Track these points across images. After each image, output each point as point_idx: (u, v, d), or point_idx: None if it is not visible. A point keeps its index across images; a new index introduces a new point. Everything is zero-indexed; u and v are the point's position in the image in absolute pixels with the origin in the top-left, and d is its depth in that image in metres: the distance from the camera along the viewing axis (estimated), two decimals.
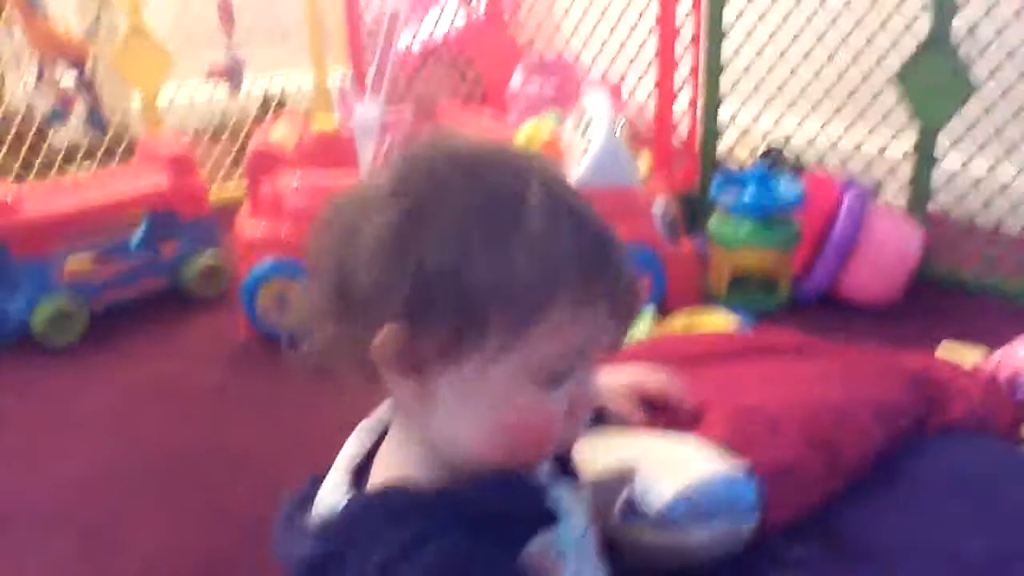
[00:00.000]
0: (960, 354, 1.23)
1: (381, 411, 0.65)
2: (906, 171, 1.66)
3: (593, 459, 0.75)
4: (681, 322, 1.40)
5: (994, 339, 1.22)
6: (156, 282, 1.67)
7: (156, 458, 1.23)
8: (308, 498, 0.63)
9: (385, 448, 0.62)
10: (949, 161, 1.63)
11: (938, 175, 1.64)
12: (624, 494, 0.76)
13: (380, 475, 0.60)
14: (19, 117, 2.03)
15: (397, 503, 0.57)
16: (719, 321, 1.40)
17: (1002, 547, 0.81)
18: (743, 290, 1.58)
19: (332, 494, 0.60)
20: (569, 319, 0.55)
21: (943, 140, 1.61)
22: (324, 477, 0.65)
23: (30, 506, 1.14)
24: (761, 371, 1.00)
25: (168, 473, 1.20)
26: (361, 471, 0.62)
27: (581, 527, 0.63)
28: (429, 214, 0.55)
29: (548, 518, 0.60)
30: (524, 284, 0.54)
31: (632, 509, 0.76)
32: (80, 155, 2.09)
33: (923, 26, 1.57)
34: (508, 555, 0.57)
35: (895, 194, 1.73)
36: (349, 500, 0.58)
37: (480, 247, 0.54)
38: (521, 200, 0.55)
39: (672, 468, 0.78)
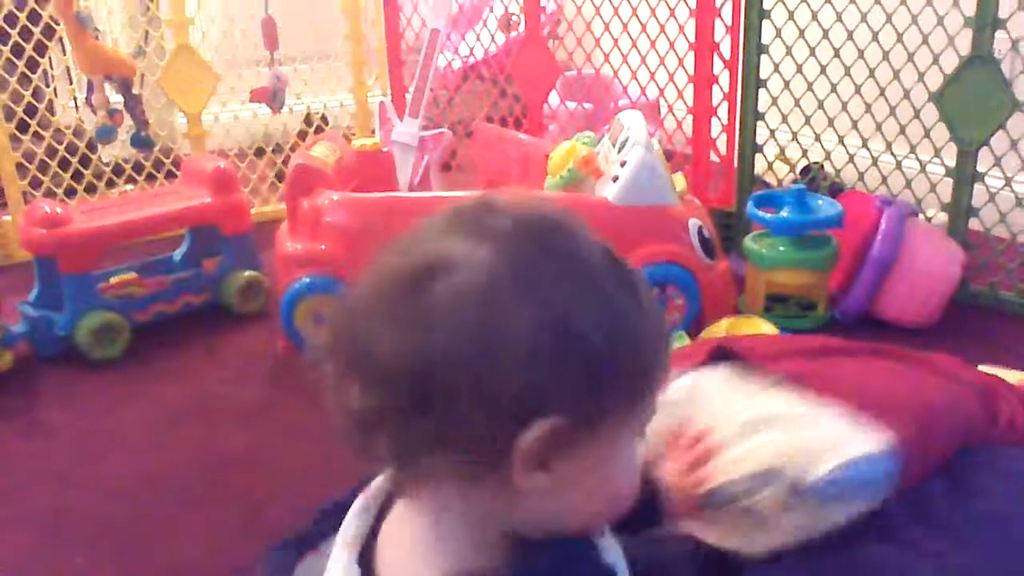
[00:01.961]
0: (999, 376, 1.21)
1: (371, 491, 0.61)
2: (947, 189, 1.64)
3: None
4: (723, 329, 1.40)
5: None
6: (198, 298, 1.70)
7: (195, 471, 1.25)
8: (287, 567, 0.62)
9: (424, 539, 0.56)
10: (991, 179, 1.61)
11: (979, 193, 1.62)
12: (784, 483, 0.79)
13: (427, 569, 0.55)
14: (69, 134, 2.08)
15: None
16: (761, 328, 1.41)
17: None
18: (779, 310, 1.57)
19: None
20: (662, 381, 0.57)
21: (985, 157, 1.59)
22: (301, 538, 0.64)
23: (71, 515, 1.17)
24: (849, 367, 1.04)
25: (206, 486, 1.22)
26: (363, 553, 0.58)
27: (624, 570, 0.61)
28: (573, 297, 0.51)
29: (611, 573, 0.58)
30: (656, 353, 0.55)
31: (787, 492, 0.79)
32: (126, 173, 2.14)
33: (965, 42, 1.55)
34: None
35: (936, 213, 1.71)
36: None
37: (626, 321, 0.53)
38: (622, 268, 0.55)
39: (819, 456, 0.81)
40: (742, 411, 0.89)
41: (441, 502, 0.54)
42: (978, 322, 1.58)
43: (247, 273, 1.71)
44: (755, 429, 0.86)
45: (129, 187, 2.16)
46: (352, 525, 0.60)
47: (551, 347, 0.50)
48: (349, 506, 0.63)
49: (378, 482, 0.60)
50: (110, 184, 2.15)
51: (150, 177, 2.19)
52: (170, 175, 2.16)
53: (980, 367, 1.18)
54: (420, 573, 0.54)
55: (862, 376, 1.02)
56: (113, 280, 1.61)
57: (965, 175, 1.60)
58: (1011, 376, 1.20)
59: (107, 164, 2.18)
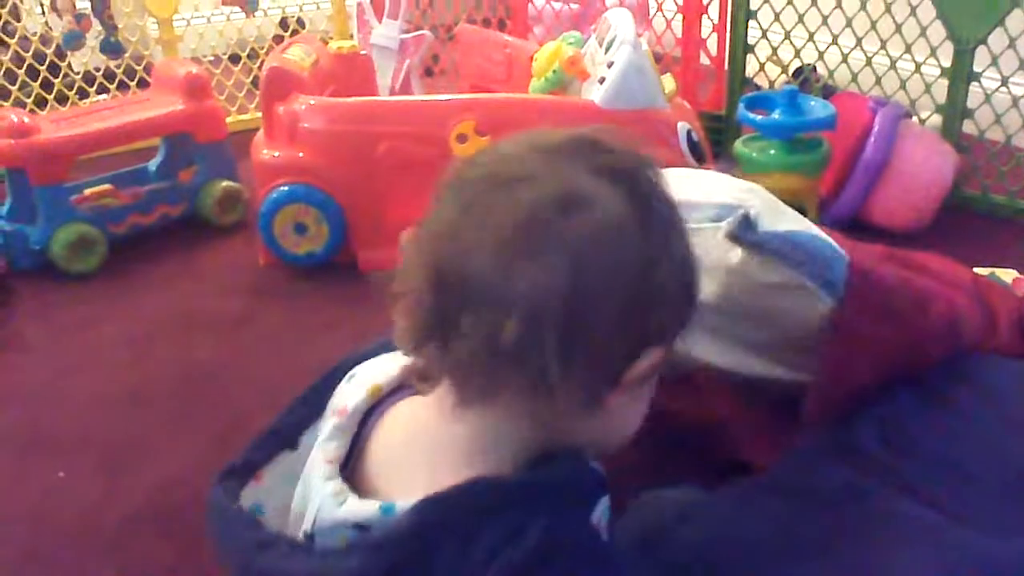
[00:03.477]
0: (994, 278, 1.20)
1: (354, 408, 0.62)
2: (941, 90, 1.60)
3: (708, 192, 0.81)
4: None
5: None
6: (174, 209, 1.66)
7: (175, 383, 1.23)
8: (231, 496, 0.61)
9: (433, 447, 0.58)
10: (986, 80, 1.57)
11: (974, 94, 1.58)
12: (737, 215, 0.80)
13: (443, 476, 0.55)
14: (36, 41, 2.00)
15: (485, 496, 0.54)
16: None
17: None
18: None
19: (347, 506, 0.56)
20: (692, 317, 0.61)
21: (981, 58, 1.54)
22: (239, 469, 0.64)
23: (51, 430, 1.15)
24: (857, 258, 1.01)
25: (187, 398, 1.20)
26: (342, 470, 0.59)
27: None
28: (670, 239, 0.57)
29: (604, 487, 0.61)
30: (698, 289, 0.60)
31: (738, 229, 0.79)
32: (97, 81, 2.07)
33: None
34: (589, 526, 0.58)
35: (930, 115, 1.67)
36: (425, 502, 0.53)
37: (690, 262, 0.59)
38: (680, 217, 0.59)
39: (784, 213, 0.84)
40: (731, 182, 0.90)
41: (501, 416, 0.56)
42: (970, 226, 1.56)
43: (224, 183, 1.67)
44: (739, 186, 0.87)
45: (102, 96, 2.09)
46: (329, 445, 0.60)
47: (677, 284, 0.56)
48: (282, 432, 0.66)
49: (350, 405, 0.61)
50: (81, 94, 2.09)
51: (122, 86, 2.12)
52: (142, 83, 2.09)
53: (975, 269, 1.16)
54: (438, 480, 0.54)
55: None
56: (87, 191, 1.57)
57: (961, 74, 1.56)
58: (1006, 275, 1.19)
59: (77, 73, 2.11)
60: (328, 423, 0.62)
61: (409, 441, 0.59)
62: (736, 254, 0.80)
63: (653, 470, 0.86)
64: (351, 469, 0.60)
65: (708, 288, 0.79)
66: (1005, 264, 1.26)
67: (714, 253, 0.80)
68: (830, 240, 0.84)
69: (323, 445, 0.61)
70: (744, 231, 0.79)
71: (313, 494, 0.59)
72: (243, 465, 0.65)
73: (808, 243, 0.81)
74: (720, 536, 0.73)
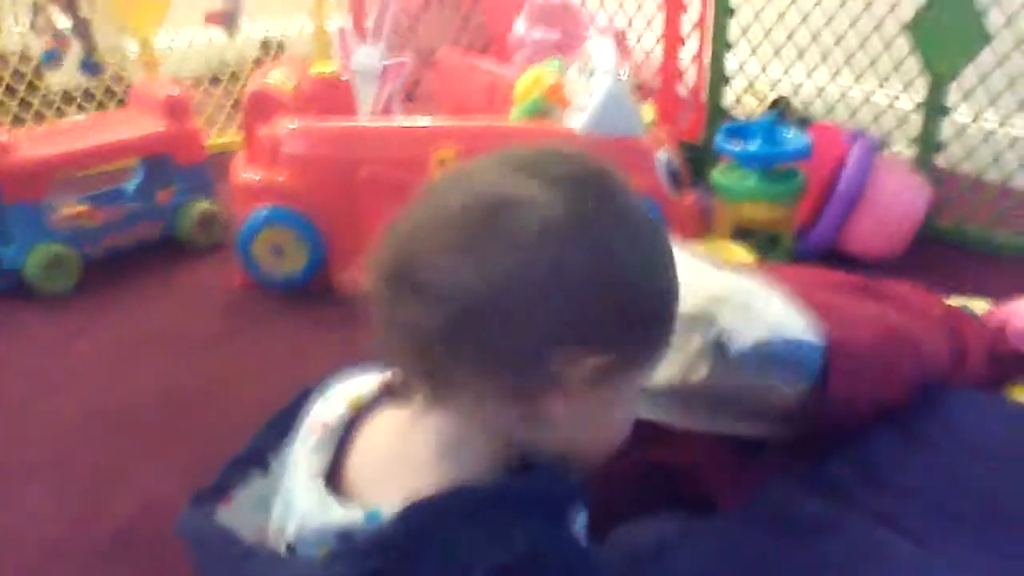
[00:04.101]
0: (966, 309, 1.21)
1: (336, 420, 0.62)
2: (916, 123, 1.63)
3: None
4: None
5: (1001, 296, 1.20)
6: (152, 229, 1.65)
7: (151, 405, 1.22)
8: (212, 517, 0.61)
9: (412, 453, 0.58)
10: (960, 114, 1.60)
11: (948, 128, 1.60)
12: (711, 334, 0.81)
13: (415, 481, 0.56)
14: (15, 60, 1.99)
15: (469, 501, 0.54)
16: (739, 256, 1.40)
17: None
18: (746, 243, 1.56)
19: (331, 513, 0.56)
20: (673, 333, 0.61)
21: (953, 93, 1.57)
22: (210, 492, 0.64)
23: (25, 452, 1.14)
24: (832, 300, 1.03)
25: (163, 419, 1.19)
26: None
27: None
28: (621, 245, 0.56)
29: (583, 500, 0.61)
30: (675, 304, 0.60)
31: (715, 348, 0.80)
32: (76, 100, 2.06)
33: None
34: (571, 533, 0.59)
35: (904, 147, 1.70)
36: (409, 508, 0.54)
37: (660, 270, 0.58)
38: (657, 223, 0.59)
39: (753, 316, 0.83)
40: (701, 279, 0.89)
41: (460, 418, 0.57)
42: (942, 257, 1.58)
43: (203, 204, 1.66)
44: (708, 290, 0.86)
45: (79, 116, 2.08)
46: (313, 457, 0.61)
47: (604, 287, 0.54)
48: (252, 455, 0.66)
49: (331, 420, 0.62)
50: (59, 112, 2.08)
51: (100, 106, 2.11)
52: (121, 103, 2.08)
53: (949, 300, 1.18)
54: (408, 484, 0.55)
55: (829, 301, 1.01)
56: (63, 210, 1.56)
57: (935, 108, 1.58)
58: (977, 306, 1.20)
59: (56, 92, 2.10)
60: (309, 439, 0.62)
61: (389, 449, 0.59)
62: (705, 367, 0.81)
63: (626, 504, 0.85)
64: (332, 481, 0.60)
65: (670, 371, 0.82)
66: (977, 295, 1.27)
67: (678, 365, 0.82)
68: (804, 333, 0.84)
69: (306, 459, 0.61)
70: (718, 360, 0.81)
71: (295, 506, 0.59)
72: (213, 488, 0.64)
73: (781, 352, 0.82)
74: (698, 569, 0.73)
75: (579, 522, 0.60)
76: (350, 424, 0.62)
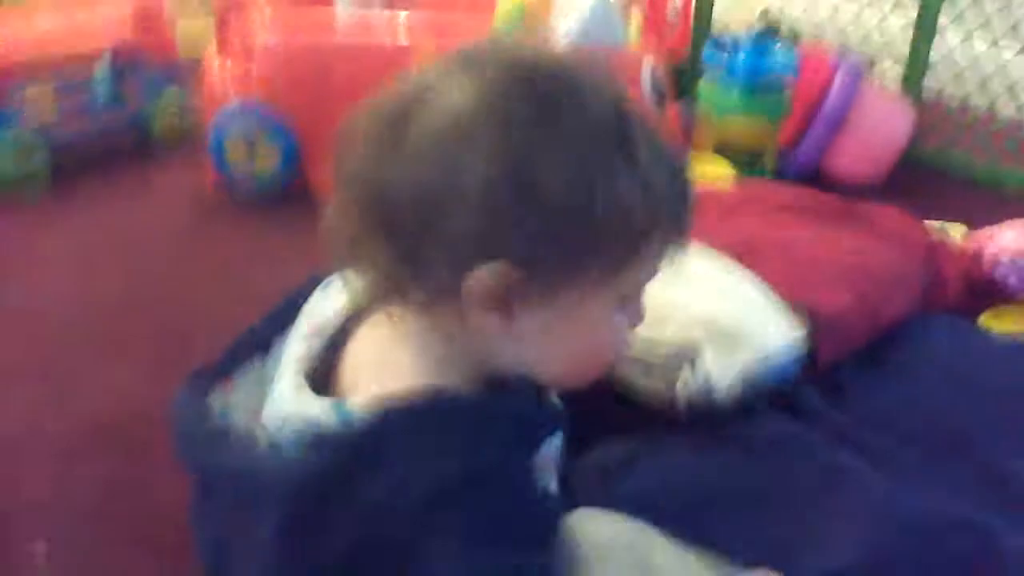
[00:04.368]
0: (943, 232, 1.22)
1: (327, 316, 0.61)
2: (904, 46, 1.60)
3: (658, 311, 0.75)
4: None
5: (979, 223, 1.20)
6: (120, 121, 1.60)
7: (119, 306, 1.20)
8: (204, 396, 0.60)
9: (391, 356, 0.57)
10: (950, 35, 1.57)
11: (936, 51, 1.58)
12: (694, 371, 0.80)
13: (393, 383, 0.55)
14: None
15: (434, 410, 0.53)
16: (718, 170, 1.39)
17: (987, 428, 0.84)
18: (727, 160, 1.54)
19: (304, 403, 0.56)
20: (658, 250, 0.56)
21: (945, 12, 1.55)
22: (212, 370, 0.63)
23: None
24: (812, 232, 1.05)
25: (130, 321, 1.17)
26: (312, 376, 0.58)
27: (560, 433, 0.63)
28: (544, 145, 0.50)
29: (558, 424, 0.60)
30: (634, 216, 0.52)
31: (698, 386, 0.80)
32: None
33: None
34: (532, 460, 0.57)
35: (890, 68, 1.68)
36: (386, 408, 0.53)
37: (599, 178, 0.51)
38: (625, 124, 0.52)
39: (737, 342, 0.81)
40: (688, 300, 0.87)
41: (412, 325, 0.55)
42: (924, 182, 1.57)
43: (173, 96, 1.61)
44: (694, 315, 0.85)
45: None
46: (299, 346, 0.60)
47: (505, 193, 0.50)
48: (255, 338, 0.65)
49: (328, 314, 0.61)
50: None
51: None
52: None
53: (926, 222, 1.18)
54: (386, 385, 0.54)
55: (813, 244, 1.01)
56: (27, 94, 1.50)
57: (925, 28, 1.56)
58: (955, 229, 1.21)
59: None
60: (302, 332, 0.61)
61: (375, 352, 0.58)
62: (686, 401, 0.81)
63: (602, 420, 0.86)
64: (327, 380, 0.59)
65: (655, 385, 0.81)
66: (956, 220, 1.27)
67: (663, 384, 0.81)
68: (787, 340, 0.84)
69: (295, 351, 0.60)
70: (703, 397, 0.80)
71: (275, 395, 0.59)
72: (213, 368, 0.63)
73: (761, 376, 0.82)
74: (663, 484, 0.74)
75: (552, 444, 0.59)
76: (347, 322, 0.60)
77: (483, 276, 0.51)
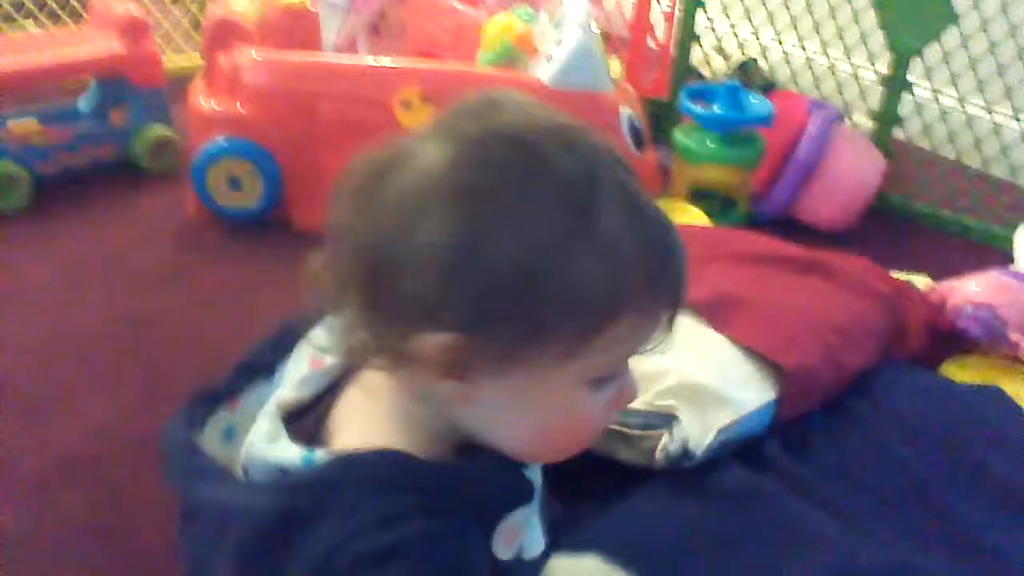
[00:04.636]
0: (908, 283, 1.25)
1: (326, 363, 0.61)
2: (877, 96, 1.65)
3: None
4: None
5: (944, 272, 1.23)
6: (105, 152, 1.61)
7: (100, 332, 1.21)
8: (197, 419, 0.61)
9: (366, 410, 0.58)
10: (920, 90, 1.62)
11: (907, 103, 1.63)
12: (673, 438, 0.82)
13: (359, 438, 0.56)
14: None
15: (391, 471, 0.53)
16: (692, 218, 1.42)
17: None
18: (702, 205, 1.57)
19: (276, 445, 0.57)
20: (630, 328, 0.52)
21: (915, 68, 1.59)
22: (215, 392, 0.64)
23: None
24: (779, 283, 1.08)
25: (112, 348, 1.18)
26: (292, 420, 0.59)
27: (540, 492, 0.62)
28: (495, 216, 0.49)
29: (529, 494, 0.59)
30: (594, 294, 0.50)
31: (676, 451, 0.82)
32: (25, 7, 1.99)
33: None
34: (488, 535, 0.56)
35: (864, 118, 1.72)
36: (335, 459, 0.54)
37: (553, 253, 0.49)
38: (591, 195, 0.50)
39: (714, 405, 0.84)
40: (663, 364, 0.90)
41: (387, 380, 0.55)
42: (893, 230, 1.61)
43: (158, 129, 1.62)
44: (670, 380, 0.88)
45: (30, 22, 2.01)
46: (291, 388, 0.61)
47: (452, 260, 0.49)
48: (260, 361, 0.65)
49: (330, 359, 0.61)
50: (8, 19, 2.00)
51: (54, 16, 2.04)
52: (76, 16, 2.01)
53: (892, 272, 1.21)
54: (353, 438, 0.55)
55: (779, 296, 1.04)
56: (12, 126, 1.51)
57: (896, 82, 1.60)
58: (920, 281, 1.24)
59: (10, 2, 2.02)
60: (300, 368, 0.62)
61: (357, 404, 0.59)
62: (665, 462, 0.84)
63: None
64: (318, 421, 0.60)
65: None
66: (921, 270, 1.31)
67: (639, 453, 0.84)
68: (761, 396, 0.88)
69: (284, 387, 0.61)
70: (681, 460, 0.83)
71: (253, 430, 0.59)
72: (217, 391, 0.64)
73: (735, 435, 0.85)
74: (632, 530, 0.76)
75: (515, 518, 0.58)
76: (346, 370, 0.61)
77: (430, 341, 0.50)
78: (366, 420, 0.57)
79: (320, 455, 0.55)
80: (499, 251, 0.49)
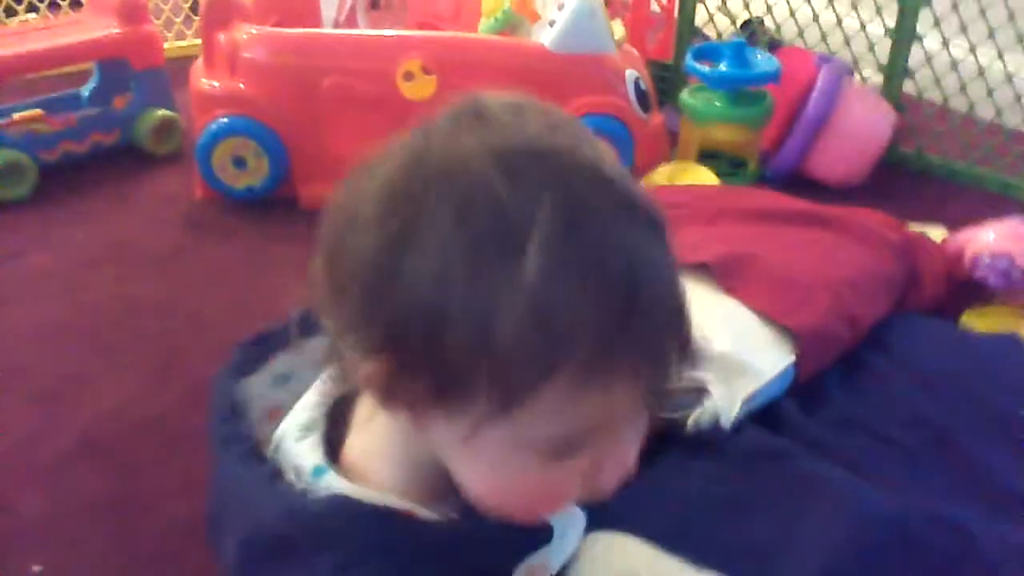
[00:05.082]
0: (923, 235, 1.23)
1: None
2: (884, 49, 1.62)
3: None
4: (665, 175, 1.40)
5: (959, 224, 1.21)
6: (108, 137, 1.61)
7: (107, 317, 1.21)
8: (247, 366, 0.62)
9: (372, 424, 0.57)
10: (929, 41, 1.59)
11: (916, 55, 1.60)
12: (705, 410, 0.81)
13: (363, 461, 0.56)
14: None
15: (389, 535, 0.52)
16: (701, 175, 1.41)
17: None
18: (711, 165, 1.56)
19: (302, 444, 0.57)
20: (570, 398, 0.45)
21: (924, 20, 1.56)
22: (272, 334, 0.65)
23: None
24: (789, 238, 1.06)
25: (119, 332, 1.18)
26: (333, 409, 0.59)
27: (577, 534, 0.61)
28: (413, 246, 0.45)
29: (547, 537, 0.57)
30: (512, 354, 0.43)
31: (706, 421, 0.81)
32: (25, 6, 1.98)
33: None
34: None
35: (872, 72, 1.69)
36: (335, 502, 0.53)
37: (464, 296, 0.43)
38: (523, 234, 0.43)
39: (738, 372, 0.84)
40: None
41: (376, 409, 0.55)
42: (904, 184, 1.59)
43: (160, 112, 1.62)
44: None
45: (31, 15, 2.01)
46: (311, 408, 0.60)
47: (376, 283, 0.46)
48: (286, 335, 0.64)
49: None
50: (9, 13, 2.00)
51: (54, 6, 2.03)
52: (75, 4, 2.01)
53: (908, 224, 1.19)
54: (361, 463, 0.56)
55: (789, 253, 1.02)
56: (16, 116, 1.51)
57: (905, 35, 1.57)
58: (935, 233, 1.22)
59: None
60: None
61: (366, 411, 0.59)
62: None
63: None
64: (347, 414, 0.60)
65: None
66: (935, 222, 1.29)
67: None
68: (780, 360, 0.87)
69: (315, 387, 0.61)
70: (711, 428, 0.81)
71: (293, 413, 0.60)
72: (278, 334, 0.65)
73: (757, 400, 0.84)
74: (635, 493, 0.75)
75: (532, 561, 0.56)
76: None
77: (365, 365, 0.48)
78: (370, 439, 0.57)
79: (326, 482, 0.55)
80: (410, 284, 0.45)
